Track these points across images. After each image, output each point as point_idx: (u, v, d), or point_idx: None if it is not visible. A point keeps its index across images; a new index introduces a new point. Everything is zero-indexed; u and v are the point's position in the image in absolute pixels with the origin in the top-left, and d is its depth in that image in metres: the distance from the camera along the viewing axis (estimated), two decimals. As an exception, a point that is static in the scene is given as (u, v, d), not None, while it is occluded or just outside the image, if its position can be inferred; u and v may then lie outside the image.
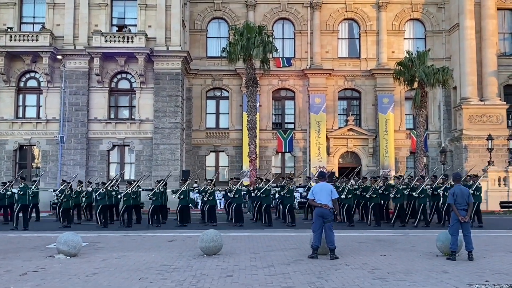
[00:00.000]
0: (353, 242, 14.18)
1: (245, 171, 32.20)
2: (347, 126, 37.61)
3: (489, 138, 32.21)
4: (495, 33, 36.73)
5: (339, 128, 37.86)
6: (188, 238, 15.13)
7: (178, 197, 20.71)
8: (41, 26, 33.77)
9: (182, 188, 21.17)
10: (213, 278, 9.07)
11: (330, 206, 11.41)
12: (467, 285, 8.53)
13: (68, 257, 11.39)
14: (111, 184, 21.26)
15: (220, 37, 38.84)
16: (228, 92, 38.33)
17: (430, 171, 37.08)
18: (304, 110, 37.97)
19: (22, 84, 34.30)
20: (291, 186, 20.97)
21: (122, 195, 20.46)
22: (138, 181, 21.89)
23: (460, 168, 31.05)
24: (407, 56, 32.50)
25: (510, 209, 29.53)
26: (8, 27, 33.30)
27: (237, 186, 20.95)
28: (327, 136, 37.11)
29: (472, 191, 19.97)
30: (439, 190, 20.45)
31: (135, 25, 34.10)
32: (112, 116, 34.17)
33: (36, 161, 34.22)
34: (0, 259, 11.34)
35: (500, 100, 36.26)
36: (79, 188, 22.63)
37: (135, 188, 20.82)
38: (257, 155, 31.95)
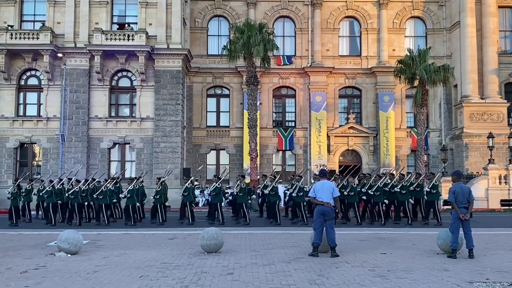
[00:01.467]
0: (354, 240, 14.18)
1: (246, 170, 32.24)
2: (348, 124, 37.61)
3: (490, 136, 32.18)
4: (496, 31, 36.70)
5: (340, 126, 37.86)
6: (189, 236, 15.14)
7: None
8: (42, 24, 33.76)
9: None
10: (214, 276, 9.07)
11: (332, 204, 11.41)
12: (467, 283, 8.52)
13: (69, 255, 11.39)
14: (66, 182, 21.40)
15: (220, 35, 38.85)
16: (228, 90, 38.33)
17: (430, 169, 37.16)
18: (305, 108, 37.96)
19: (22, 82, 34.32)
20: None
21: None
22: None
23: (460, 166, 31.05)
24: (408, 54, 32.44)
25: (511, 207, 29.52)
26: (8, 25, 33.30)
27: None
28: (327, 134, 37.10)
29: (428, 189, 20.05)
30: (411, 187, 20.43)
31: (136, 23, 34.10)
32: (113, 114, 34.18)
33: (36, 159, 34.24)
34: (0, 256, 11.34)
35: (501, 98, 36.25)
36: (28, 186, 21.82)
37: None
38: (258, 153, 31.92)
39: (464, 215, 11.13)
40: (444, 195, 27.31)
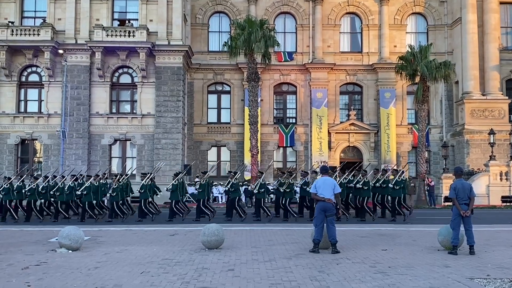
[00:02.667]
0: (355, 236, 14.19)
1: (246, 166, 32.22)
2: (349, 121, 37.59)
3: (491, 132, 32.17)
4: (497, 27, 36.62)
5: (341, 122, 37.85)
6: (190, 232, 15.15)
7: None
8: (42, 21, 33.74)
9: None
10: (215, 272, 9.09)
11: (333, 200, 11.41)
12: (468, 279, 8.53)
13: (70, 251, 11.41)
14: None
15: (221, 32, 38.79)
16: (229, 86, 38.31)
17: (431, 165, 37.21)
18: (306, 105, 37.94)
19: (23, 79, 34.31)
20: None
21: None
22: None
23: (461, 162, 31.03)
24: (409, 50, 32.40)
25: (512, 204, 29.53)
26: (9, 22, 33.29)
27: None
28: (328, 130, 37.09)
29: (391, 185, 20.04)
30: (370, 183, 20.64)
31: (137, 19, 34.05)
32: (114, 110, 34.19)
33: (38, 155, 34.28)
34: (2, 253, 11.37)
35: (502, 94, 36.22)
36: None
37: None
38: (259, 150, 31.94)
39: (465, 211, 11.14)
40: (445, 192, 27.46)
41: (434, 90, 37.57)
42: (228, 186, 20.73)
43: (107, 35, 32.70)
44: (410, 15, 39.18)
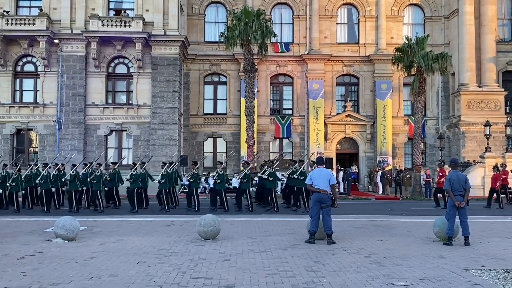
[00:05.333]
0: (350, 227, 14.25)
1: (243, 157, 32.22)
2: (345, 112, 37.58)
3: (487, 124, 32.20)
4: (494, 18, 36.53)
5: (337, 114, 37.83)
6: (186, 223, 15.18)
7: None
8: (38, 10, 33.49)
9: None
10: (211, 262, 9.11)
11: (328, 191, 11.44)
12: (463, 270, 8.58)
13: (66, 241, 11.41)
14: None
15: (218, 22, 38.59)
16: (226, 77, 38.20)
17: (427, 157, 37.30)
18: (302, 96, 37.90)
19: (19, 68, 34.15)
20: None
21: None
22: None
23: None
24: (406, 41, 32.36)
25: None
26: (4, 11, 33.06)
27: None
28: (325, 122, 37.07)
29: (296, 176, 20.13)
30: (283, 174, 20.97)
31: (132, 9, 33.88)
32: (110, 101, 34.09)
33: (33, 145, 34.21)
34: (-2, 243, 11.37)
35: (498, 86, 36.21)
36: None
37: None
38: (255, 141, 31.93)
39: (459, 202, 11.18)
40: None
41: (430, 82, 37.55)
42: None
43: (103, 25, 32.52)
44: (407, 6, 39.05)
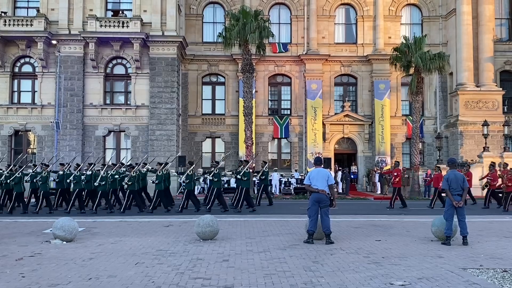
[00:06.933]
0: (349, 227, 14.26)
1: (241, 157, 32.19)
2: (343, 112, 37.60)
3: (485, 124, 32.29)
4: (491, 18, 36.58)
5: (335, 114, 37.85)
6: (184, 223, 15.18)
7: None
8: (36, 11, 33.46)
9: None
10: (209, 263, 9.12)
11: (327, 191, 11.45)
12: (461, 269, 8.60)
13: (64, 242, 11.41)
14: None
15: (216, 22, 38.58)
16: (224, 77, 38.20)
17: (425, 157, 37.34)
18: (300, 96, 37.91)
19: (16, 69, 34.10)
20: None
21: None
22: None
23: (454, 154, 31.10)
24: (404, 41, 32.37)
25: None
26: (2, 12, 33.01)
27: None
28: (323, 122, 37.10)
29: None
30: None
31: (130, 10, 33.84)
32: (108, 101, 34.07)
33: (31, 146, 34.16)
34: (-4, 244, 11.36)
35: (496, 86, 36.27)
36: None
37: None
38: (253, 141, 31.94)
39: (457, 202, 11.21)
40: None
41: (428, 82, 37.59)
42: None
43: (101, 26, 32.50)
44: (405, 6, 39.09)
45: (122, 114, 33.44)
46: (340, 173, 33.68)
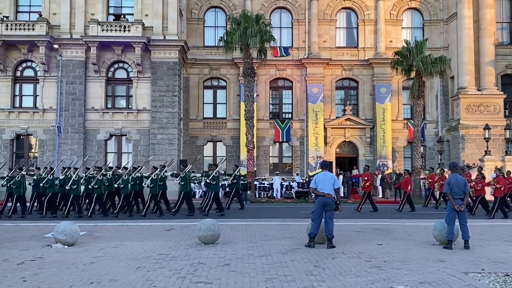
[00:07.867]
0: (350, 231, 14.24)
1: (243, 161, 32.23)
2: (345, 116, 37.61)
3: (486, 127, 32.24)
4: (493, 22, 36.60)
5: (337, 117, 37.86)
6: (186, 227, 15.16)
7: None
8: (38, 15, 33.56)
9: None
10: (211, 267, 9.11)
11: (333, 195, 11.43)
12: (463, 273, 8.58)
13: (65, 246, 11.39)
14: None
15: (217, 26, 38.67)
16: (225, 81, 38.25)
17: (427, 160, 37.29)
18: (302, 100, 37.93)
19: (18, 74, 34.20)
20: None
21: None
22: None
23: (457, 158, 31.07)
24: (405, 45, 32.37)
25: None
26: (4, 16, 33.12)
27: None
28: (324, 125, 37.11)
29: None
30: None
31: (132, 14, 33.95)
32: (109, 105, 34.13)
33: (33, 150, 34.21)
34: (-3, 248, 11.36)
35: (497, 89, 36.28)
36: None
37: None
38: (255, 145, 31.95)
39: (459, 206, 11.19)
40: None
41: (429, 85, 37.61)
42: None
43: (102, 30, 32.60)
44: (406, 10, 39.15)
45: (124, 118, 33.48)
46: (341, 176, 33.64)
